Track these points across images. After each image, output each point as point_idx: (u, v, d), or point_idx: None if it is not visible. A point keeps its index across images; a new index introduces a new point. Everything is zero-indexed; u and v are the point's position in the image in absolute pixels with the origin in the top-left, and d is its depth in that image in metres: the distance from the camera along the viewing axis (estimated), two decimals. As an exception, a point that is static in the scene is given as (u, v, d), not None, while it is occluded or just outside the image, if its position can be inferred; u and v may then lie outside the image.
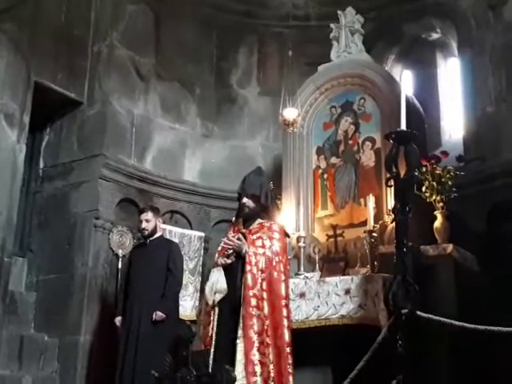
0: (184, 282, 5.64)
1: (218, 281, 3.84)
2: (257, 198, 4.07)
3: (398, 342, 2.77)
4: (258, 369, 3.60)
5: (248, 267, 3.82)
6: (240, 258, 3.90)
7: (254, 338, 3.66)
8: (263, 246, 3.92)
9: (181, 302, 5.45)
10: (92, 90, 6.26)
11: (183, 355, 2.67)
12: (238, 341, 3.67)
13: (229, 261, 3.91)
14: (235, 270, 3.89)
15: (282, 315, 3.81)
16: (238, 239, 3.91)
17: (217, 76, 7.20)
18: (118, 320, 5.23)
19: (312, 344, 4.55)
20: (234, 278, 3.86)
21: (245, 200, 4.07)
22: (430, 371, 3.94)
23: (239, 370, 3.56)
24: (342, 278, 4.94)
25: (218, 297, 3.82)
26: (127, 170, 6.26)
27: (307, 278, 5.20)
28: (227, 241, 3.97)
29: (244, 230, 4.03)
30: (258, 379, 3.59)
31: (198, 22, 7.06)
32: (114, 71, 6.38)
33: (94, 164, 6.05)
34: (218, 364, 3.09)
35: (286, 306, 3.88)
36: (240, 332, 3.69)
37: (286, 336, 3.78)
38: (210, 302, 3.84)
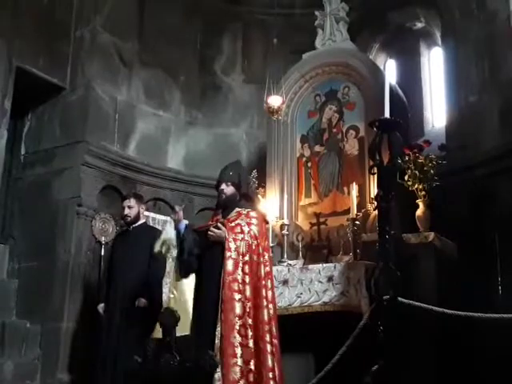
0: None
1: (169, 235, 3.91)
2: (235, 185, 4.13)
3: (379, 328, 2.80)
4: (238, 350, 3.67)
5: (228, 253, 3.89)
6: (220, 244, 3.93)
7: (235, 321, 3.74)
8: (242, 232, 3.99)
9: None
10: (74, 76, 6.19)
11: (166, 341, 2.67)
12: (217, 325, 3.72)
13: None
14: (216, 255, 3.93)
15: (262, 296, 3.90)
16: (217, 227, 3.96)
17: (201, 63, 7.16)
18: (100, 307, 5.21)
19: (295, 330, 4.58)
20: (215, 264, 3.91)
21: (223, 187, 4.13)
22: (411, 357, 3.99)
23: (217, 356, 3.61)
24: (324, 265, 4.97)
25: (168, 249, 3.94)
26: (110, 157, 6.22)
27: (290, 265, 5.22)
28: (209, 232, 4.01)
29: (222, 220, 4.08)
30: (239, 360, 3.65)
31: (182, 7, 6.99)
32: (96, 56, 6.31)
33: (77, 150, 6.00)
34: (201, 349, 3.12)
35: (265, 286, 3.95)
36: (220, 316, 3.74)
37: (265, 316, 3.86)
38: (156, 250, 4.02)
